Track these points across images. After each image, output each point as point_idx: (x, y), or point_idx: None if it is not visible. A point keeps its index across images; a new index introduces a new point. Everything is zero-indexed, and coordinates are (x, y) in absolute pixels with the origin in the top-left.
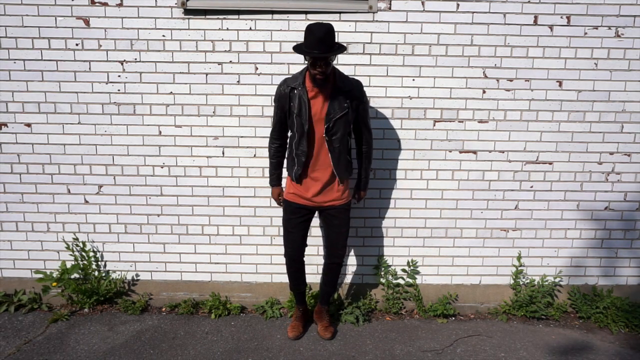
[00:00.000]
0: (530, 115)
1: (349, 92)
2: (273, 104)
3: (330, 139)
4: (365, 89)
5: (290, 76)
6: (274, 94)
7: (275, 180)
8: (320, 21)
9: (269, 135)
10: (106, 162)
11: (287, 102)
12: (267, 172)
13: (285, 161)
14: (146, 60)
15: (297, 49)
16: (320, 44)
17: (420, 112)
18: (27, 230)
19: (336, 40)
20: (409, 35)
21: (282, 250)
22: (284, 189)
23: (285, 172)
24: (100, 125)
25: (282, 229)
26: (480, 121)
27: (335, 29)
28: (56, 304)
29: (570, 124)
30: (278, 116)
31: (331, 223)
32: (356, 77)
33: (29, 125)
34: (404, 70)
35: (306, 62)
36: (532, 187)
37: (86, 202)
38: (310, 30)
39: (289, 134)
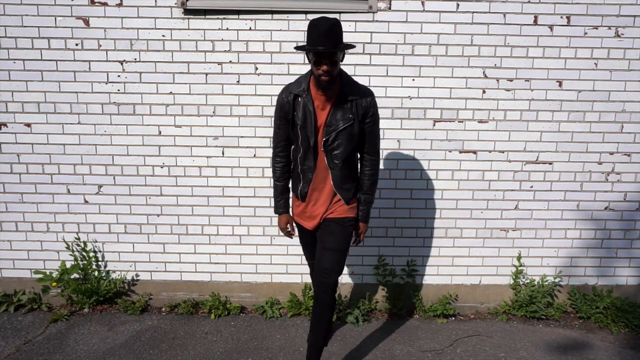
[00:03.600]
0: (530, 115)
1: (355, 102)
2: (274, 115)
3: (330, 154)
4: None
5: (293, 82)
6: (276, 103)
7: (283, 206)
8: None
9: (271, 153)
10: (106, 162)
11: (290, 111)
12: (267, 172)
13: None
14: (146, 60)
15: (300, 47)
16: (324, 38)
17: (420, 112)
18: (27, 230)
19: (343, 38)
20: (408, 35)
21: (282, 250)
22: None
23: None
24: (100, 125)
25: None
26: (480, 121)
27: None
28: (56, 304)
29: (570, 124)
30: (283, 129)
31: (323, 238)
32: (356, 78)
33: (28, 125)
34: (404, 70)
35: (310, 63)
36: (532, 187)
37: (86, 202)
38: (314, 25)
39: (292, 147)
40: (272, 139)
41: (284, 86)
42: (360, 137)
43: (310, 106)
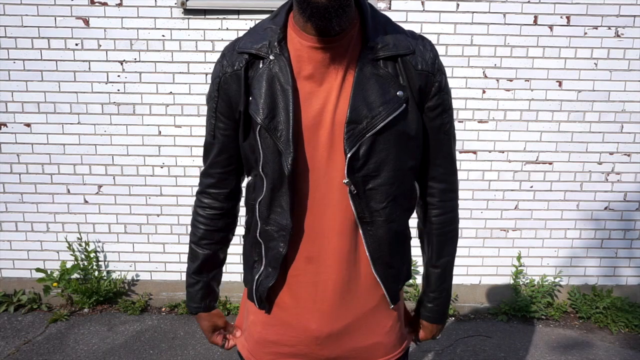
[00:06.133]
0: (530, 115)
1: (403, 60)
2: (207, 109)
3: (363, 188)
4: None
5: (245, 33)
6: (210, 82)
7: (200, 297)
8: None
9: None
10: (106, 162)
11: (240, 95)
12: None
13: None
14: (146, 60)
15: None
16: None
17: None
18: (27, 230)
19: None
20: None
21: None
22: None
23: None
24: (99, 125)
25: None
26: (480, 121)
27: None
28: (56, 304)
29: (570, 124)
30: (223, 137)
31: None
32: None
33: (28, 125)
34: None
35: None
36: (532, 187)
37: (86, 202)
38: None
39: (246, 180)
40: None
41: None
42: (421, 143)
43: (284, 75)
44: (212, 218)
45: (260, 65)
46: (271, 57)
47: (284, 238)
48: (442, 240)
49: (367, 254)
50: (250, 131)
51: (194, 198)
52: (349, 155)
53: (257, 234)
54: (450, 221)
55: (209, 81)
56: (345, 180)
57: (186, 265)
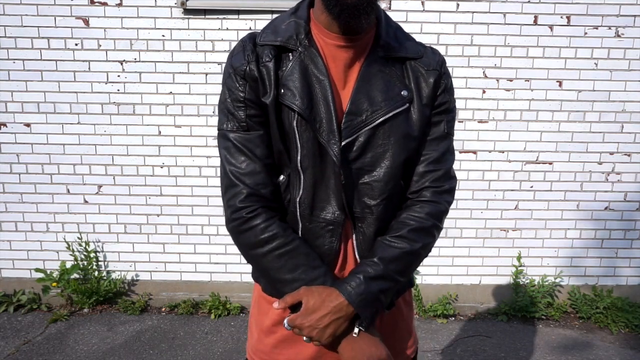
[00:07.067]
0: (530, 115)
1: (410, 64)
2: (220, 107)
3: (356, 180)
4: None
5: (268, 24)
6: (223, 76)
7: (322, 272)
8: None
9: (229, 210)
10: (106, 162)
11: (267, 87)
12: None
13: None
14: (146, 60)
15: None
16: None
17: None
18: (27, 230)
19: None
20: None
21: None
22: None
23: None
24: (99, 125)
25: None
26: (480, 121)
27: None
28: (55, 304)
29: (570, 124)
30: (256, 125)
31: None
32: None
33: (28, 125)
34: None
35: None
36: (532, 187)
37: (85, 202)
38: None
39: (279, 179)
40: (222, 180)
41: (242, 37)
42: (421, 143)
43: (317, 67)
44: (280, 230)
45: (290, 57)
46: (300, 49)
47: (335, 232)
48: (418, 229)
49: (355, 251)
50: (284, 124)
51: (231, 229)
52: (342, 144)
53: (300, 235)
54: (438, 212)
55: (209, 81)
56: (337, 168)
57: (269, 275)
